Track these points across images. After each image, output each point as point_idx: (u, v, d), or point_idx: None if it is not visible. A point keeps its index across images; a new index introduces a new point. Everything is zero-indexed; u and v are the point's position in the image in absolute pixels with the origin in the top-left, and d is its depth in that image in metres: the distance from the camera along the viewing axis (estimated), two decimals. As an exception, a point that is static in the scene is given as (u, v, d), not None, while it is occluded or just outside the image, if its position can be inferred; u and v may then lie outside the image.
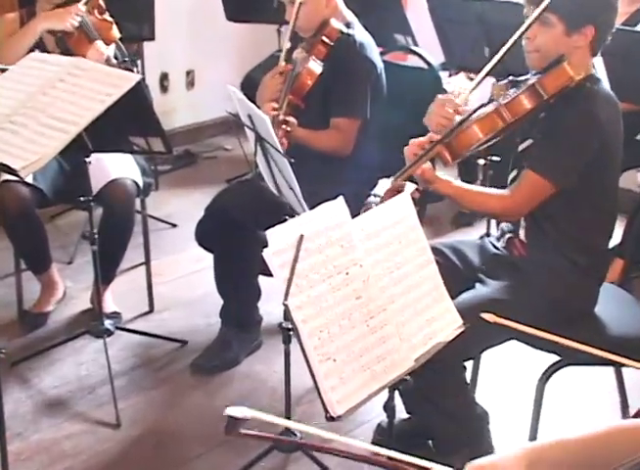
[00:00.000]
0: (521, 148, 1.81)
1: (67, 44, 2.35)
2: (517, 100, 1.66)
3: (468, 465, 1.01)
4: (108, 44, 2.38)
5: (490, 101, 1.72)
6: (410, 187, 1.66)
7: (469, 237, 2.04)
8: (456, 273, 1.86)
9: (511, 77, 1.75)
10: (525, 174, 1.71)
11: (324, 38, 2.28)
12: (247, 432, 0.91)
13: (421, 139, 1.73)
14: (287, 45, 2.29)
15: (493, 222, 2.94)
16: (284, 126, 2.17)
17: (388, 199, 1.52)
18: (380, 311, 1.35)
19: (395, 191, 1.65)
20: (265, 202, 2.20)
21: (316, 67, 2.27)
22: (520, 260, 1.82)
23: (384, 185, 1.67)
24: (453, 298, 1.50)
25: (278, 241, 1.25)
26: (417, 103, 2.44)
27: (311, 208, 1.34)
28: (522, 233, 1.82)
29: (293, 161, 1.82)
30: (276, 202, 2.09)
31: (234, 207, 2.26)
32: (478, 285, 1.81)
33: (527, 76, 1.75)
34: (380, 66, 2.34)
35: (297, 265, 1.25)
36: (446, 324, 1.46)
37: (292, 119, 2.20)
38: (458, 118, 1.71)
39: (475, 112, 1.68)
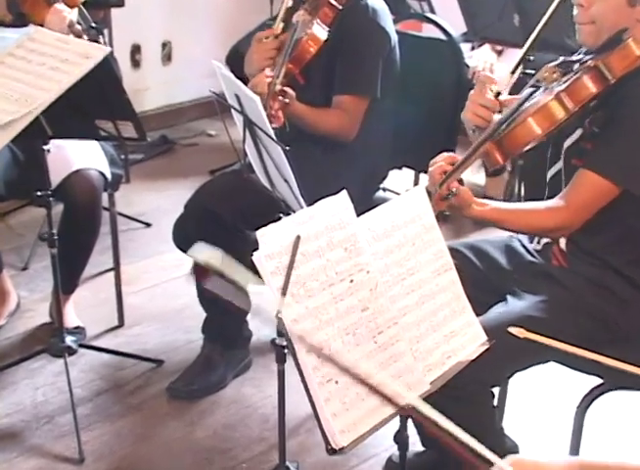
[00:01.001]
0: (568, 143, 1.77)
1: (20, 8, 2.33)
2: (579, 83, 1.60)
3: (509, 457, 1.05)
4: (71, 7, 2.34)
5: (536, 86, 1.67)
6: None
7: (494, 236, 2.03)
8: (480, 279, 1.86)
9: (562, 58, 1.70)
10: (581, 176, 1.67)
11: (331, 0, 2.27)
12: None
13: (449, 155, 1.68)
14: (288, 3, 2.26)
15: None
16: (281, 98, 2.17)
17: None
18: (390, 325, 1.36)
19: None
20: (256, 197, 2.21)
21: (321, 32, 2.26)
22: (559, 271, 1.81)
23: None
24: (477, 308, 1.51)
25: (270, 243, 1.26)
26: (434, 80, 2.46)
27: (310, 204, 1.35)
28: (562, 241, 1.81)
29: (288, 148, 1.83)
30: (268, 197, 2.10)
31: (219, 202, 2.28)
32: (510, 298, 1.81)
33: (581, 56, 1.71)
34: (394, 37, 2.34)
35: (293, 271, 1.26)
36: (468, 340, 1.47)
37: (290, 91, 2.20)
38: (496, 117, 1.68)
39: (525, 101, 1.61)
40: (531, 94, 1.65)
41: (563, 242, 1.80)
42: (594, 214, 1.69)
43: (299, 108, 2.23)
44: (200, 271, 0.82)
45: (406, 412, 1.03)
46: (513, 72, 1.72)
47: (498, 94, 1.72)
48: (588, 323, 1.73)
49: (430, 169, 1.69)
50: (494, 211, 1.69)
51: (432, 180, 1.66)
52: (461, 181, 1.65)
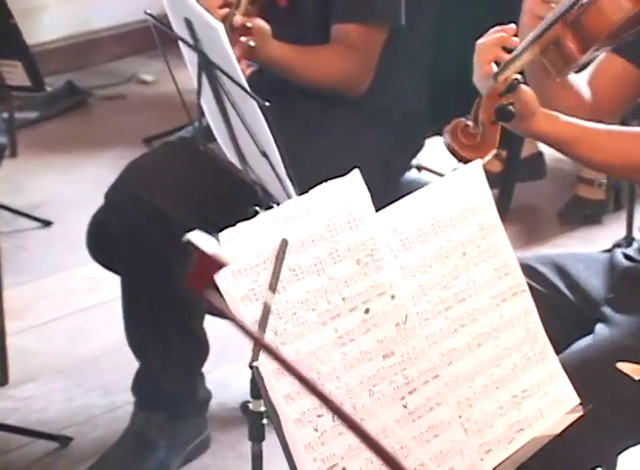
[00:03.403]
0: None
1: None
2: None
3: None
4: None
5: None
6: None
7: (590, 247, 2.05)
8: (567, 311, 1.88)
9: None
10: None
11: None
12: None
13: (510, 27, 1.73)
14: None
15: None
16: (243, 38, 2.17)
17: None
18: (427, 380, 1.38)
19: None
20: (217, 181, 2.22)
21: None
22: None
23: None
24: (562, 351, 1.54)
25: (241, 252, 1.27)
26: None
27: (302, 191, 1.36)
28: None
29: (268, 104, 1.84)
30: (237, 180, 2.11)
31: (159, 190, 2.29)
32: (599, 326, 1.83)
33: None
34: None
35: (277, 296, 1.27)
36: (550, 404, 1.49)
37: (259, 24, 2.20)
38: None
39: None
40: None
41: None
42: None
43: (278, 50, 2.24)
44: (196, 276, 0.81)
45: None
46: None
47: None
48: None
49: (475, 57, 1.73)
50: (572, 127, 1.74)
51: (481, 71, 1.72)
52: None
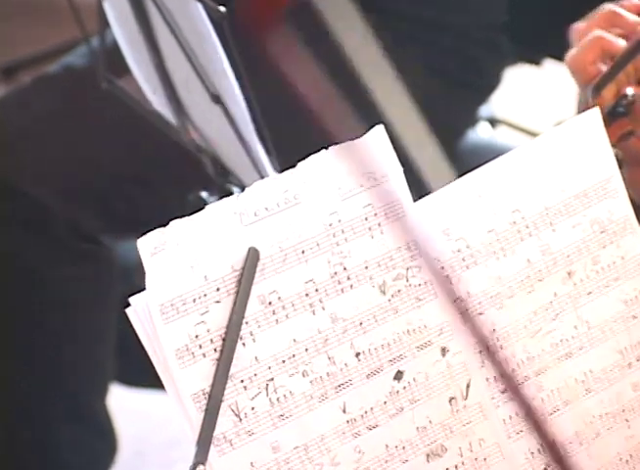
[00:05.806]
0: None
1: None
2: None
3: None
4: None
5: None
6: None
7: None
8: None
9: None
10: None
11: None
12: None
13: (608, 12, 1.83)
14: None
15: None
16: None
17: None
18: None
19: None
20: (133, 147, 2.24)
21: None
22: None
23: None
24: None
25: (176, 272, 1.28)
26: None
27: (285, 166, 1.36)
28: None
29: (224, 10, 1.85)
30: (167, 146, 2.12)
31: (32, 166, 2.34)
32: None
33: None
34: None
35: (241, 350, 1.28)
36: None
37: None
38: None
39: None
40: None
41: None
42: None
43: None
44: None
45: None
46: None
47: None
48: None
49: (572, 53, 1.81)
50: None
51: (581, 75, 1.80)
52: None
